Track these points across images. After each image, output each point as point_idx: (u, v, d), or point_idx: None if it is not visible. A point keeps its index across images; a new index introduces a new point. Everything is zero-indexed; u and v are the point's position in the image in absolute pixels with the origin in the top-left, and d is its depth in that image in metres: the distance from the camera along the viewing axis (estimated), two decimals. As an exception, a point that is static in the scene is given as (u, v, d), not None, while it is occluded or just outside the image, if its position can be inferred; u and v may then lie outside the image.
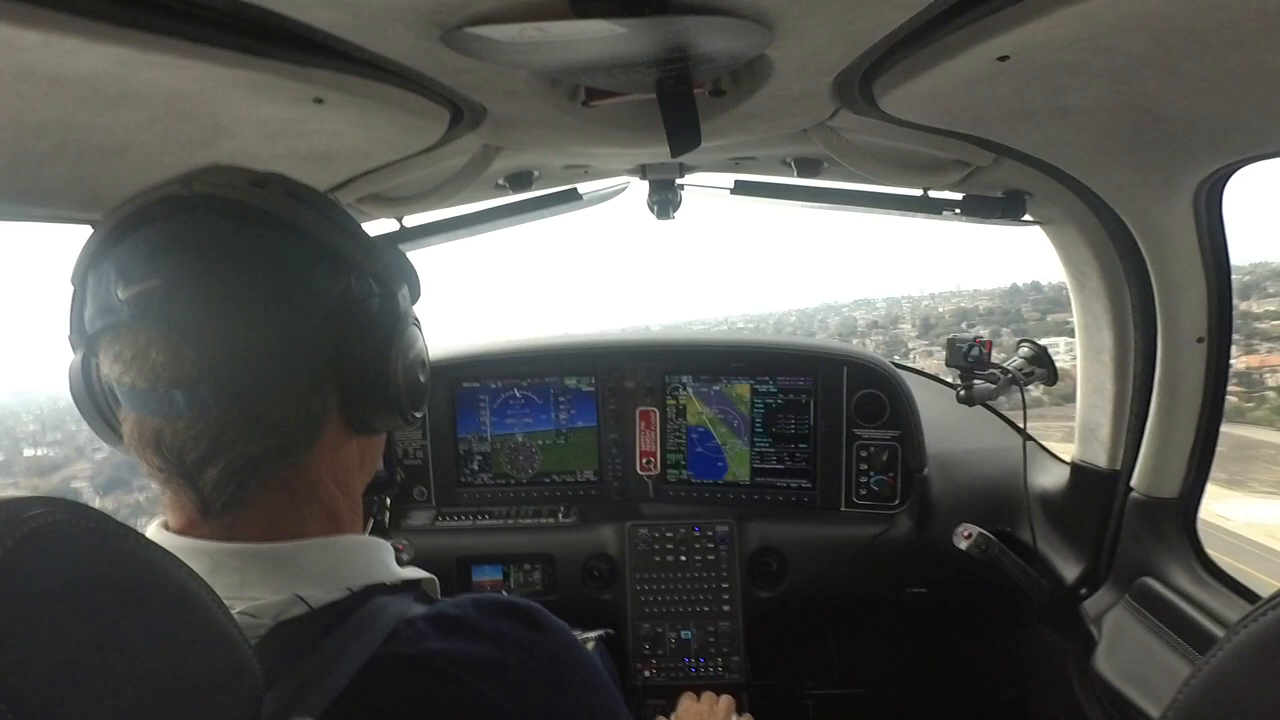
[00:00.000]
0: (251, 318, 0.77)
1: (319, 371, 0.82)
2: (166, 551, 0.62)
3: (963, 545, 2.07)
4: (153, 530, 0.83)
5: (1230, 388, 1.75)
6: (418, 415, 0.94)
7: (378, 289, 0.87)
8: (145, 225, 0.77)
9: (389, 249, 0.91)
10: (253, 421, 0.78)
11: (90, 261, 0.79)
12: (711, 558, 2.44)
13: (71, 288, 0.81)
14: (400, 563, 0.93)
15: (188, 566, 0.62)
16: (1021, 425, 2.15)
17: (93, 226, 0.81)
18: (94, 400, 0.84)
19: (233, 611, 0.71)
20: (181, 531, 0.81)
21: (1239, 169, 1.40)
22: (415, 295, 0.96)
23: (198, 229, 0.77)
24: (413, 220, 2.12)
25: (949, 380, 2.83)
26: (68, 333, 0.84)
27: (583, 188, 2.32)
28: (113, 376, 0.78)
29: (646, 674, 2.42)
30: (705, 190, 2.40)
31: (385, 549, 0.91)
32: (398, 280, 0.91)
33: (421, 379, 0.94)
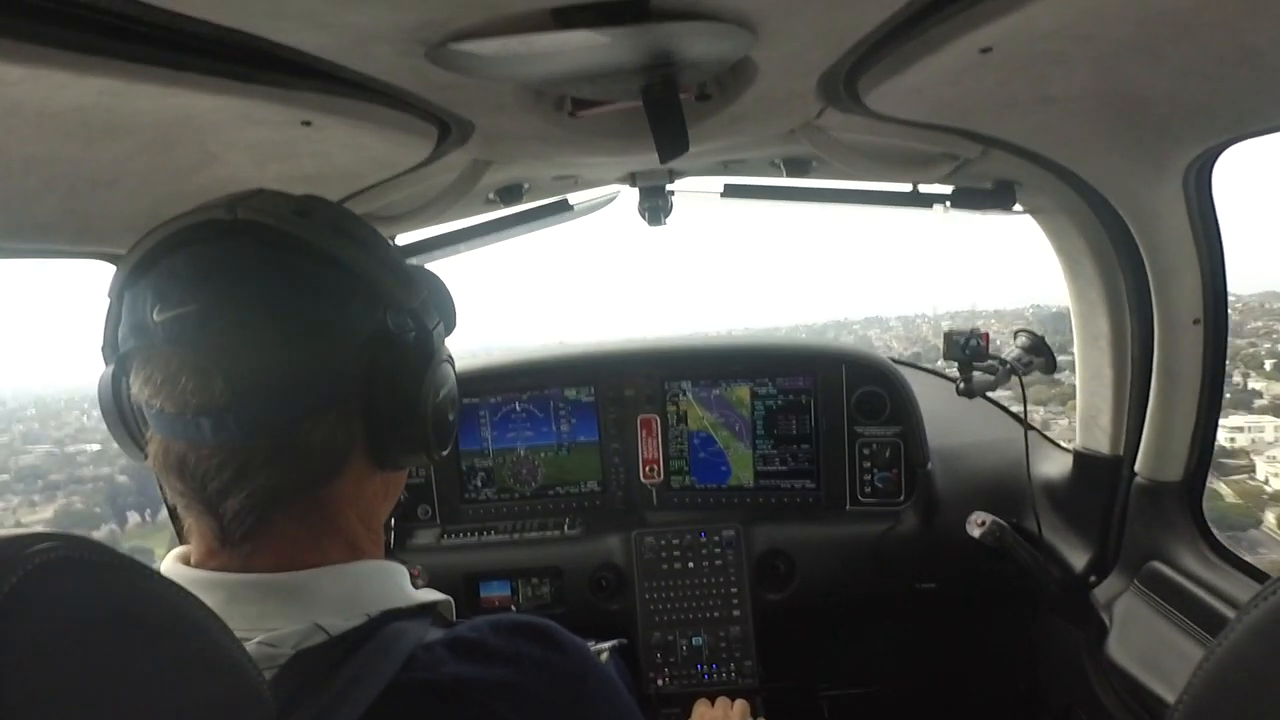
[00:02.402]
0: (284, 350, 0.77)
1: (348, 407, 0.81)
2: (175, 584, 0.61)
3: (976, 533, 2.07)
4: (168, 564, 0.83)
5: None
6: (444, 454, 0.93)
7: (413, 325, 0.86)
8: (185, 248, 0.77)
9: (428, 281, 0.90)
10: (277, 454, 0.78)
11: (128, 279, 0.79)
12: (719, 563, 2.43)
13: (107, 301, 0.81)
14: (416, 587, 0.92)
15: (198, 599, 0.62)
16: (1022, 415, 2.15)
17: (98, 258, 0.80)
18: (122, 417, 0.84)
19: (252, 642, 0.71)
20: (200, 563, 0.81)
21: (1226, 149, 1.41)
22: (450, 326, 0.95)
23: (237, 257, 0.77)
24: (405, 238, 2.12)
25: (948, 374, 2.83)
26: (100, 345, 0.83)
27: (573, 198, 2.32)
28: (142, 398, 0.78)
29: (659, 683, 2.40)
30: (696, 195, 2.41)
31: (401, 573, 0.91)
32: (433, 316, 0.90)
33: (450, 418, 0.93)
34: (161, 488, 0.83)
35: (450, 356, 0.94)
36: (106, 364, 0.84)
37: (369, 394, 0.82)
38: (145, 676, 0.56)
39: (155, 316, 0.75)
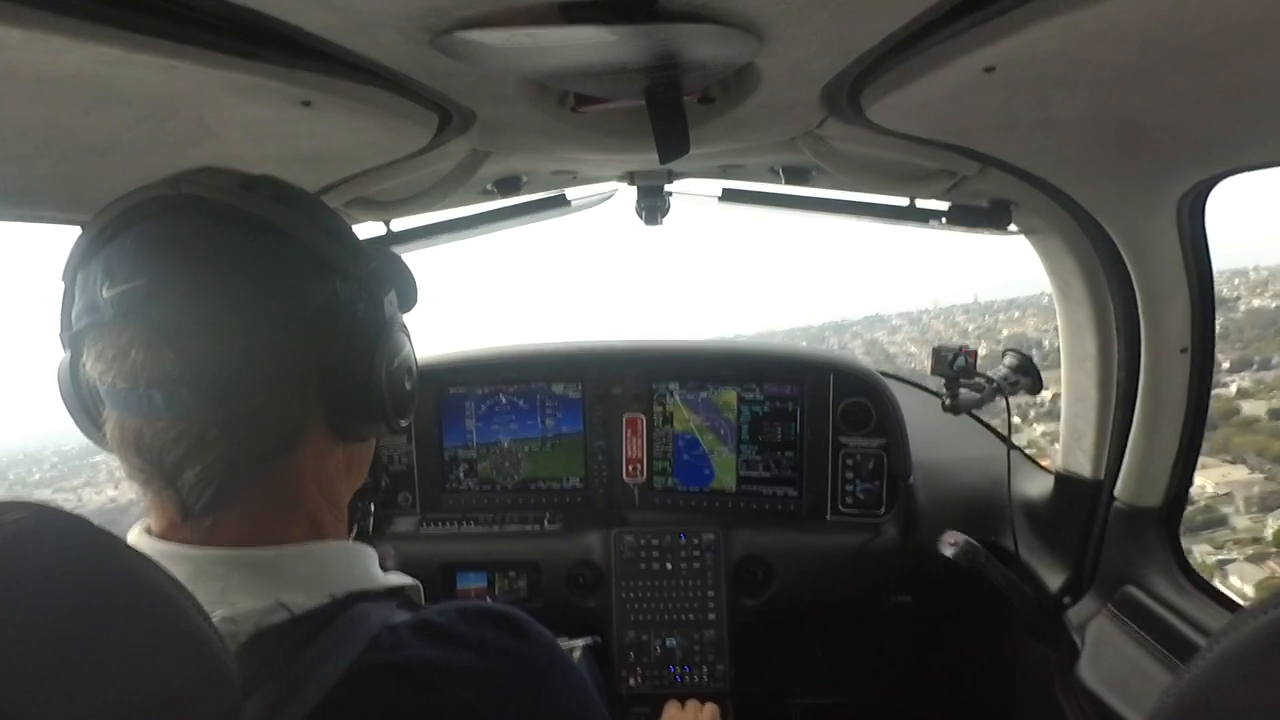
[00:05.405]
0: (233, 321, 0.76)
1: (301, 376, 0.81)
2: (146, 557, 0.61)
3: (948, 553, 2.07)
4: (134, 535, 0.82)
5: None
6: (403, 423, 0.93)
7: (363, 294, 0.86)
8: (133, 225, 0.77)
9: (380, 254, 0.90)
10: (232, 425, 0.77)
11: (80, 260, 0.79)
12: (697, 565, 2.43)
13: (62, 285, 0.81)
14: (384, 570, 0.92)
15: (168, 573, 0.61)
16: (1006, 434, 2.16)
17: (80, 227, 0.80)
18: (79, 398, 0.83)
19: (214, 617, 0.70)
20: (163, 535, 0.80)
21: (1221, 181, 1.42)
22: (410, 300, 0.95)
23: (183, 231, 0.77)
24: (400, 224, 2.12)
25: (934, 389, 2.85)
26: (57, 330, 0.83)
27: (570, 193, 2.32)
28: (95, 375, 0.78)
29: (631, 682, 2.40)
30: (693, 197, 2.41)
31: (369, 555, 0.91)
32: (385, 285, 0.90)
33: (408, 386, 0.93)
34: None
35: (405, 326, 0.94)
36: (64, 348, 0.84)
37: (322, 363, 0.82)
38: (114, 648, 0.55)
39: (105, 293, 0.75)
